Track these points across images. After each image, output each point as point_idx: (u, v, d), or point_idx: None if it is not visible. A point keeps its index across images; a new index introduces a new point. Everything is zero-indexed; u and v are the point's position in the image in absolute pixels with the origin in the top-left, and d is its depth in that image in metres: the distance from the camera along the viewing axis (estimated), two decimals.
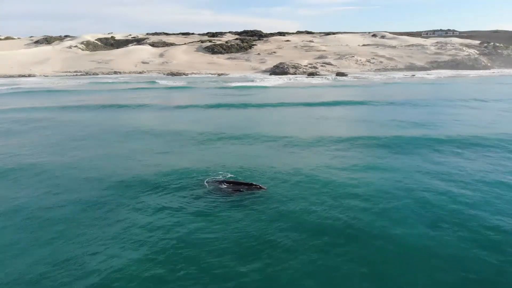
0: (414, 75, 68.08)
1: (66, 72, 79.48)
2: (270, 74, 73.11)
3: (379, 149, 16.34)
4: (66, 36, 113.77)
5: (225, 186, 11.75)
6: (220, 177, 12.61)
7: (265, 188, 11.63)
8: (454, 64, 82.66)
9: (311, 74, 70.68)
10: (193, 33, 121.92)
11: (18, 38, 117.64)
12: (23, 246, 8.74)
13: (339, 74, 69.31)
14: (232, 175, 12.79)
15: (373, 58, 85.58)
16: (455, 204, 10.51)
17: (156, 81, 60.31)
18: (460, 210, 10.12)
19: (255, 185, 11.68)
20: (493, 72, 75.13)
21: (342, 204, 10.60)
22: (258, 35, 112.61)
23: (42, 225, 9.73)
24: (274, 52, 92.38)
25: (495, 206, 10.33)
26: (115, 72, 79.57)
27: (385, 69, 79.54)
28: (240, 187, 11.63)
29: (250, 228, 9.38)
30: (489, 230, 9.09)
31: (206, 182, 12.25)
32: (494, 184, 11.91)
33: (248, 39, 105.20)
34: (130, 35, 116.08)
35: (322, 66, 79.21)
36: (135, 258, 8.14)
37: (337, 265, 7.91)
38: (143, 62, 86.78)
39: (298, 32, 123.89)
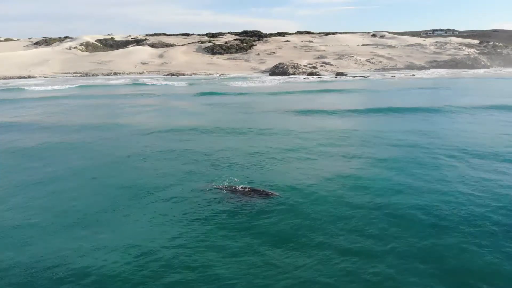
0: (414, 75, 68.09)
1: (65, 73, 79.35)
2: (270, 74, 73.23)
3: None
4: (65, 37, 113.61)
5: (236, 193, 11.27)
6: (227, 182, 12.29)
7: (277, 194, 11.18)
8: (454, 63, 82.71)
9: (310, 74, 70.80)
10: (192, 34, 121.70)
11: (18, 39, 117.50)
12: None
13: (339, 74, 69.51)
14: (238, 179, 12.60)
15: (373, 58, 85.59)
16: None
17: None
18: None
19: (267, 192, 11.28)
20: (489, 72, 75.15)
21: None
22: (258, 36, 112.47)
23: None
24: (274, 53, 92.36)
25: None
26: (115, 73, 79.42)
27: (385, 69, 79.58)
28: (251, 193, 11.21)
29: (266, 236, 9.15)
30: None
31: (215, 187, 11.90)
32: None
33: (247, 40, 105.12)
34: (129, 36, 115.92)
35: (321, 66, 79.25)
36: (142, 262, 8.19)
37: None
38: (143, 63, 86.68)
39: (298, 32, 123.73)
